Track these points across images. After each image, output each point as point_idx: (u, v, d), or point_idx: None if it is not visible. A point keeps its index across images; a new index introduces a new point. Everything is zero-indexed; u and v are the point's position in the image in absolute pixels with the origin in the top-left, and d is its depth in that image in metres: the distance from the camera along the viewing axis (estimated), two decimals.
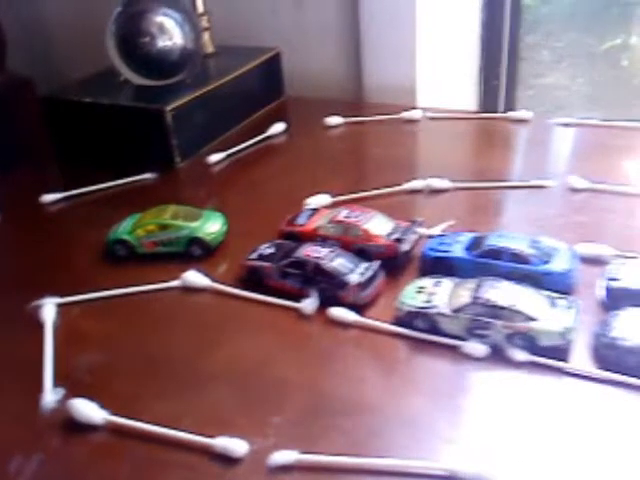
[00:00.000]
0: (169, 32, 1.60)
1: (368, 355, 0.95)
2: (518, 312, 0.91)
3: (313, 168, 1.50)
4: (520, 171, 1.43)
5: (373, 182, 1.36)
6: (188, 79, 1.61)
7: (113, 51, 1.60)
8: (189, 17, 1.66)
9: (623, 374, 0.86)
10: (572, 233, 1.16)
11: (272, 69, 1.84)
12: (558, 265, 1.02)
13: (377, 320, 0.99)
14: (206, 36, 1.88)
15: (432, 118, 1.66)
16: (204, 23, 1.86)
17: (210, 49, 1.87)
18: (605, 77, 2.59)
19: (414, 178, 1.35)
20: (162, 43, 1.58)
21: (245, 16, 1.97)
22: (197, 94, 1.58)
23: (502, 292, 0.94)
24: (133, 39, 1.60)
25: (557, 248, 1.07)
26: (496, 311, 0.92)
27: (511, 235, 1.08)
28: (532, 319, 0.91)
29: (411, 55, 1.78)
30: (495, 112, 1.84)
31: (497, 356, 0.91)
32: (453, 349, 0.92)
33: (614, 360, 0.89)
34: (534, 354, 0.90)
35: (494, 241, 1.06)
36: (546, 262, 1.02)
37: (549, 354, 0.90)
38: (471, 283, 0.97)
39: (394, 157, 1.51)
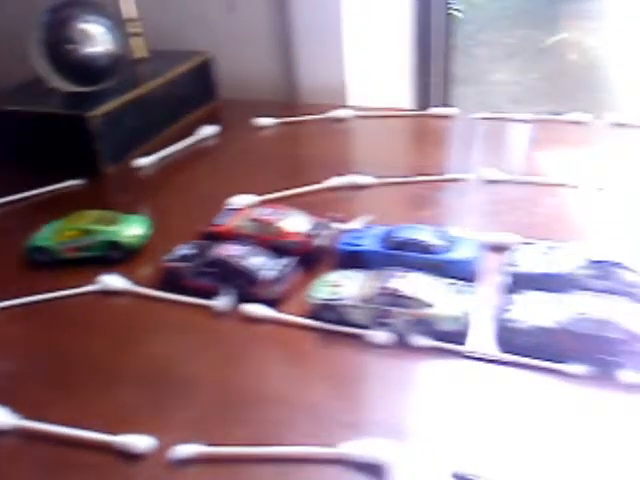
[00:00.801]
0: (95, 38, 1.61)
1: (278, 348, 0.98)
2: (418, 300, 0.95)
3: (241, 169, 1.52)
4: (443, 165, 1.47)
5: (300, 180, 1.39)
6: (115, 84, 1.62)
7: (38, 58, 1.60)
8: (116, 23, 1.67)
9: (521, 355, 0.91)
10: (484, 222, 1.21)
11: (204, 72, 1.86)
12: (461, 254, 1.06)
13: (291, 314, 1.02)
14: (139, 41, 1.89)
15: (361, 116, 1.70)
16: (136, 29, 1.87)
17: (143, 54, 1.88)
18: (553, 71, 2.67)
19: (340, 175, 1.39)
20: (88, 49, 1.59)
21: (178, 21, 1.98)
22: (126, 99, 1.59)
23: (406, 282, 0.98)
24: (59, 46, 1.60)
25: (463, 238, 1.11)
26: (399, 300, 0.95)
27: (420, 227, 1.12)
28: (431, 306, 0.95)
29: (340, 55, 1.81)
30: (426, 109, 1.89)
31: (401, 343, 0.94)
32: (359, 338, 0.96)
33: (512, 342, 0.93)
34: (435, 339, 0.94)
35: (403, 234, 1.10)
36: (450, 251, 1.07)
37: (449, 339, 0.94)
38: (379, 274, 1.00)
39: (322, 156, 1.54)
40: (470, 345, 0.92)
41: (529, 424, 0.82)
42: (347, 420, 0.83)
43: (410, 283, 0.97)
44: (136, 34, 1.84)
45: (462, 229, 1.13)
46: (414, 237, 1.07)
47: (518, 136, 1.53)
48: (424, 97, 2.22)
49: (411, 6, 2.09)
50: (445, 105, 2.18)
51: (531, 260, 1.05)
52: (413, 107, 2.12)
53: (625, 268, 0.98)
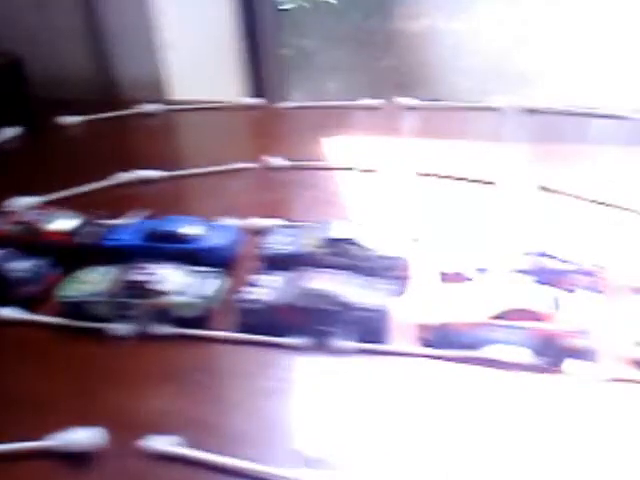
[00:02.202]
0: None
1: (26, 349, 0.98)
2: (157, 290, 0.98)
3: (31, 170, 1.48)
4: (237, 155, 1.48)
5: (91, 178, 1.36)
6: None
7: None
8: None
9: (257, 333, 0.96)
10: (259, 208, 1.24)
11: (11, 73, 1.80)
12: (215, 241, 1.10)
13: (45, 314, 1.02)
14: None
15: (174, 110, 1.71)
16: None
17: None
18: (405, 57, 2.74)
19: (128, 170, 1.39)
20: None
21: None
22: None
23: (150, 273, 1.00)
24: None
25: (224, 225, 1.15)
26: (139, 292, 0.98)
27: (181, 219, 1.15)
28: (168, 294, 0.98)
29: (154, 50, 1.80)
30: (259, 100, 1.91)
31: (143, 333, 0.97)
32: (101, 333, 0.98)
33: (249, 321, 0.97)
34: (179, 326, 0.98)
35: (163, 226, 1.12)
36: (206, 240, 1.11)
37: (189, 324, 0.97)
38: (125, 269, 1.02)
39: (119, 152, 1.54)
40: (213, 328, 0.97)
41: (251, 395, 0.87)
42: (78, 412, 0.86)
43: (153, 275, 0.99)
44: None
45: (230, 217, 1.17)
46: (173, 229, 1.10)
47: (315, 123, 1.60)
48: (257, 87, 2.27)
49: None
50: (281, 95, 2.24)
51: (281, 242, 1.10)
52: (246, 97, 2.15)
53: (356, 244, 1.05)
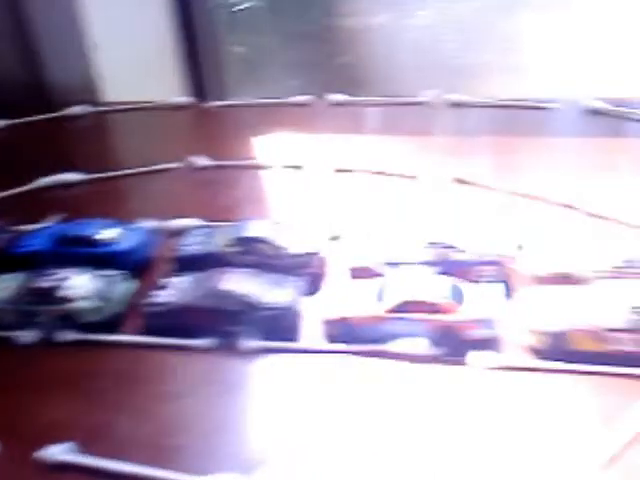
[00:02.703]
0: None
1: None
2: (63, 296, 0.96)
3: None
4: (161, 156, 1.45)
5: (12, 184, 1.35)
6: None
7: None
8: None
9: (165, 336, 0.95)
10: (181, 210, 1.24)
11: None
12: (126, 244, 1.09)
13: None
14: None
15: (102, 112, 1.69)
16: None
17: None
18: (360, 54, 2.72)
19: (50, 175, 1.37)
20: None
21: None
22: None
23: (54, 280, 0.98)
24: None
25: (139, 228, 1.14)
26: (46, 298, 0.96)
27: (96, 222, 1.14)
28: (77, 300, 0.96)
29: (85, 51, 1.78)
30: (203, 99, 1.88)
31: (48, 340, 0.96)
32: (7, 341, 0.96)
33: (156, 324, 0.97)
34: (87, 331, 0.96)
35: (76, 230, 1.11)
36: (118, 244, 1.09)
37: (95, 329, 0.96)
38: (31, 275, 1.01)
39: (44, 155, 1.51)
40: (120, 333, 0.96)
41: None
42: None
43: (60, 281, 0.98)
44: None
45: (149, 219, 1.16)
46: (84, 233, 1.09)
47: (244, 121, 1.59)
48: (196, 86, 2.24)
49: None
50: (222, 93, 2.22)
51: (194, 242, 1.10)
52: (180, 96, 2.12)
53: (265, 242, 1.05)
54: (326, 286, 1.01)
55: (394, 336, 0.88)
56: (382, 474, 0.76)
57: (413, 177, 1.26)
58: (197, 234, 1.11)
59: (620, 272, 0.92)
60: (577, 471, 0.72)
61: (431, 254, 0.97)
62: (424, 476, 0.75)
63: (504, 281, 0.94)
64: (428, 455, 0.75)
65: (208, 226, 1.13)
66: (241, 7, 2.52)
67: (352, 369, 0.87)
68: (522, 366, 0.83)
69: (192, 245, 1.08)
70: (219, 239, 1.05)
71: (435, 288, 0.86)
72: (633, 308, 0.81)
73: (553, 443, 0.75)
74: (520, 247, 1.00)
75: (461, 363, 0.86)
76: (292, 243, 1.04)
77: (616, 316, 0.81)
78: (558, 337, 0.83)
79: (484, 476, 0.73)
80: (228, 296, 0.92)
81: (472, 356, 0.85)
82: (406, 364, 0.88)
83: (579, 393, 0.80)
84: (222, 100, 1.74)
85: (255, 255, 1.03)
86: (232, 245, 1.00)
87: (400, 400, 0.83)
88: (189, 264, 1.06)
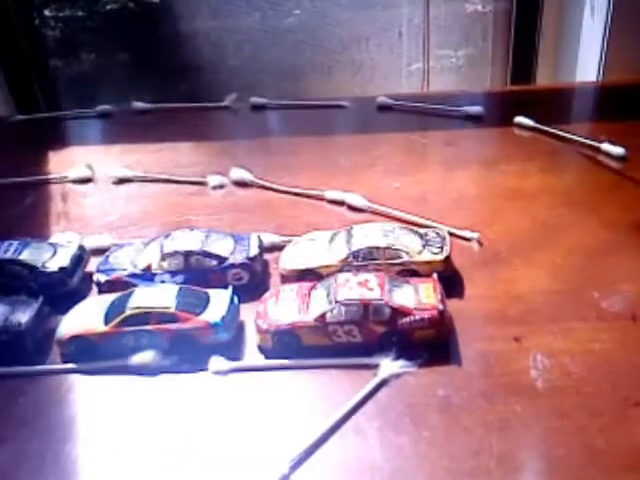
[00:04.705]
0: None
1: None
2: None
3: None
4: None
5: None
6: None
7: None
8: None
9: None
10: None
11: None
12: None
13: None
14: None
15: None
16: None
17: None
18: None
19: None
20: None
21: None
22: None
23: None
24: None
25: None
26: None
27: None
28: None
29: None
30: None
31: None
32: None
33: None
34: None
35: None
36: None
37: None
38: None
39: None
40: None
41: None
42: None
43: None
44: None
45: None
46: None
47: (41, 135, 1.54)
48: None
49: None
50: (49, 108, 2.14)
51: None
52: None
53: (16, 262, 1.00)
54: (79, 303, 0.98)
55: (127, 350, 0.87)
56: None
57: (202, 184, 1.25)
58: None
59: (349, 264, 0.96)
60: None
61: (179, 263, 0.98)
62: None
63: (252, 282, 0.96)
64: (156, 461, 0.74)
65: None
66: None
67: (87, 388, 0.85)
68: (251, 366, 0.84)
69: None
70: None
71: (160, 297, 0.86)
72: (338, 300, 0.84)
73: (255, 441, 0.76)
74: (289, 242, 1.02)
75: (197, 370, 0.87)
76: (48, 261, 1.01)
77: (331, 309, 0.84)
78: (282, 335, 0.85)
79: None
80: None
81: (208, 361, 0.85)
82: (142, 377, 0.88)
83: (301, 388, 0.82)
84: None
85: (3, 276, 0.99)
86: None
87: (134, 414, 0.82)
88: None
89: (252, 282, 1.01)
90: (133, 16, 2.25)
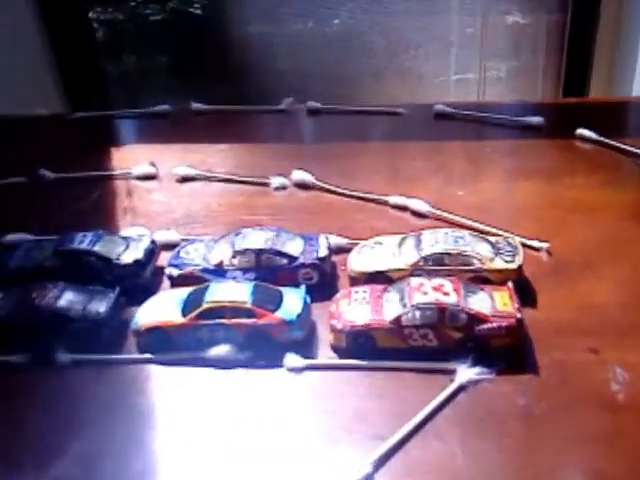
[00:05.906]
0: None
1: None
2: None
3: None
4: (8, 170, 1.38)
5: None
6: None
7: None
8: None
9: None
10: (25, 224, 1.18)
11: None
12: None
13: None
14: None
15: None
16: None
17: None
18: None
19: None
20: None
21: None
22: None
23: None
24: None
25: None
26: None
27: None
28: None
29: None
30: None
31: None
32: None
33: None
34: None
35: None
36: None
37: None
38: None
39: None
40: None
41: None
42: None
43: None
44: None
45: None
46: None
47: (104, 132, 1.57)
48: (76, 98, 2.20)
49: None
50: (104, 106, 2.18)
51: (18, 257, 1.05)
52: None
53: (91, 254, 1.03)
54: (153, 295, 1.00)
55: (203, 343, 0.88)
56: None
57: (265, 185, 1.27)
58: (24, 248, 1.08)
59: (419, 268, 0.96)
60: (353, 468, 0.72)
61: (247, 260, 0.99)
62: None
63: (321, 283, 0.96)
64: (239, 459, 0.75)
65: (38, 240, 1.10)
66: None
67: (164, 378, 0.87)
68: (326, 365, 0.85)
69: (16, 259, 1.05)
70: (42, 253, 1.03)
71: (236, 292, 0.87)
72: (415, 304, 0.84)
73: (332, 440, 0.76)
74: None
75: (272, 366, 0.87)
76: (122, 253, 1.03)
77: (406, 312, 0.85)
78: (357, 335, 0.85)
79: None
80: (39, 309, 0.90)
81: (282, 358, 0.86)
82: (217, 370, 0.89)
83: (376, 389, 0.82)
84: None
85: (78, 267, 1.01)
86: (52, 258, 0.98)
87: (210, 406, 0.83)
88: (9, 279, 1.03)
89: (321, 282, 1.01)
90: (189, 20, 2.30)
